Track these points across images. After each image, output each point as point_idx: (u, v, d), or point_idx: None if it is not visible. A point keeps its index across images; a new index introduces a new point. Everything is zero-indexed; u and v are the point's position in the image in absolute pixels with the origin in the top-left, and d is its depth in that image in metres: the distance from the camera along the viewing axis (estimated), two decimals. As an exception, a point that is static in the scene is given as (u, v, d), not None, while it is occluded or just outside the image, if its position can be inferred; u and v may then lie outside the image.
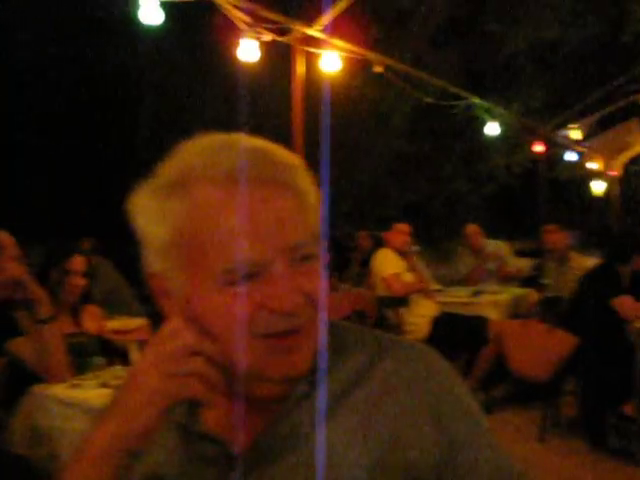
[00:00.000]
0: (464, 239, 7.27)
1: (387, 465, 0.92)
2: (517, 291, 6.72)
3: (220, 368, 0.90)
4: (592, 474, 4.35)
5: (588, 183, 11.26)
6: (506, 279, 7.16)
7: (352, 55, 5.78)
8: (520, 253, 7.91)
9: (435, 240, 11.33)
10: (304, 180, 0.95)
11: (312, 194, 0.96)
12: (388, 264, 5.93)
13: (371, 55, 6.10)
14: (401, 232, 6.05)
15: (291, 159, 0.95)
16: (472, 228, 7.21)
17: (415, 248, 6.53)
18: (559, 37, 8.37)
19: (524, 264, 7.39)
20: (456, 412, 0.98)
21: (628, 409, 4.72)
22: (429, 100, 7.45)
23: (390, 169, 11.02)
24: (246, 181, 0.88)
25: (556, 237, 6.54)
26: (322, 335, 0.95)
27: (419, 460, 0.93)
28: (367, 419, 0.94)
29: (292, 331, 0.90)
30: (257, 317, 0.88)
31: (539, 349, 4.89)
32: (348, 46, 5.65)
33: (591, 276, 5.11)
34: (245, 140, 0.94)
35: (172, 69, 10.93)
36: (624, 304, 4.79)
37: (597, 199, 11.60)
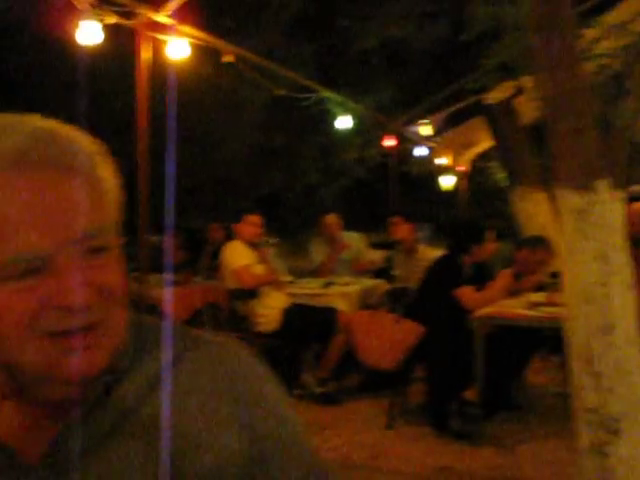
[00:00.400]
0: (322, 229, 7.31)
1: (181, 471, 0.85)
2: (367, 282, 6.84)
3: (5, 370, 0.81)
4: (437, 457, 4.50)
5: (438, 177, 11.70)
6: (361, 271, 7.28)
7: (201, 43, 5.64)
8: (375, 245, 8.07)
9: (292, 232, 11.39)
10: (99, 167, 0.86)
11: (109, 182, 0.87)
12: (238, 256, 5.86)
13: (221, 44, 5.98)
14: (252, 224, 5.99)
15: (85, 143, 0.86)
16: (331, 218, 7.26)
17: (272, 240, 6.49)
18: (410, 35, 8.61)
19: (378, 256, 7.54)
20: (264, 414, 0.93)
21: (470, 394, 4.92)
22: (281, 92, 7.44)
23: (245, 161, 10.96)
24: (28, 165, 0.79)
25: (401, 229, 6.71)
26: (121, 332, 0.88)
27: (221, 465, 0.87)
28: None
29: (84, 328, 0.81)
30: (42, 314, 0.78)
31: (387, 339, 5.00)
32: (197, 33, 5.50)
33: (434, 267, 5.28)
34: (33, 121, 0.84)
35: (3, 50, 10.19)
36: (465, 294, 4.99)
37: (447, 193, 12.05)
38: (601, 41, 3.43)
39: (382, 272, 7.29)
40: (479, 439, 4.73)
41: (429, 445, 4.73)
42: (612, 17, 5.34)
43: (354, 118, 8.29)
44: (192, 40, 5.40)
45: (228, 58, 6.00)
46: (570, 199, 2.49)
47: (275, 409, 0.96)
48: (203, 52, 6.03)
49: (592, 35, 3.56)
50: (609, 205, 2.51)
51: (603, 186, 2.50)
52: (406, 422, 5.12)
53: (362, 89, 9.51)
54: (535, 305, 4.78)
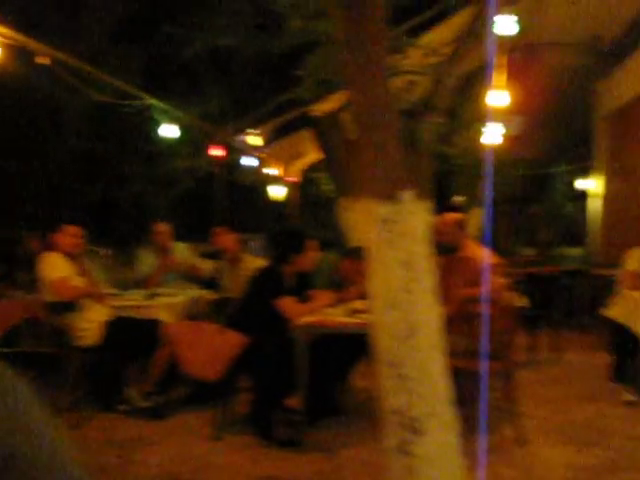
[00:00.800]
0: (152, 237, 7.13)
1: None
2: (192, 293, 6.75)
3: None
4: (262, 466, 4.51)
5: (269, 188, 11.81)
6: (190, 281, 7.19)
7: (12, 42, 5.33)
8: (205, 255, 8.00)
9: (125, 242, 11.05)
10: None
11: None
12: (55, 268, 5.60)
13: (34, 44, 5.68)
14: (70, 234, 5.75)
15: None
16: (162, 227, 7.11)
17: (102, 251, 6.26)
18: (238, 45, 8.60)
19: (207, 266, 7.47)
20: (20, 433, 0.90)
21: (293, 402, 4.98)
22: (102, 98, 7.22)
23: (69, 168, 10.54)
24: None
25: (225, 239, 6.72)
26: None
27: None
28: None
29: None
30: None
31: (210, 350, 4.95)
32: (7, 32, 5.19)
33: (256, 277, 5.31)
34: None
35: None
36: (285, 304, 5.05)
37: (279, 203, 12.18)
38: (411, 59, 3.58)
39: (210, 282, 7.23)
40: (304, 446, 4.80)
41: (255, 454, 4.73)
42: (427, 38, 5.65)
43: (181, 127, 8.22)
44: (2, 39, 5.08)
45: (42, 60, 5.71)
46: (376, 209, 2.58)
47: (33, 429, 0.93)
48: (18, 53, 5.71)
49: (406, 53, 3.72)
50: (413, 215, 2.62)
51: (408, 197, 2.60)
52: (232, 433, 5.09)
53: (190, 98, 9.42)
54: (355, 312, 4.92)
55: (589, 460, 4.63)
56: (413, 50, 4.01)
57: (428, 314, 2.60)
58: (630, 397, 5.99)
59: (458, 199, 12.89)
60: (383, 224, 2.57)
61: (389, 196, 2.58)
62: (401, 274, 2.56)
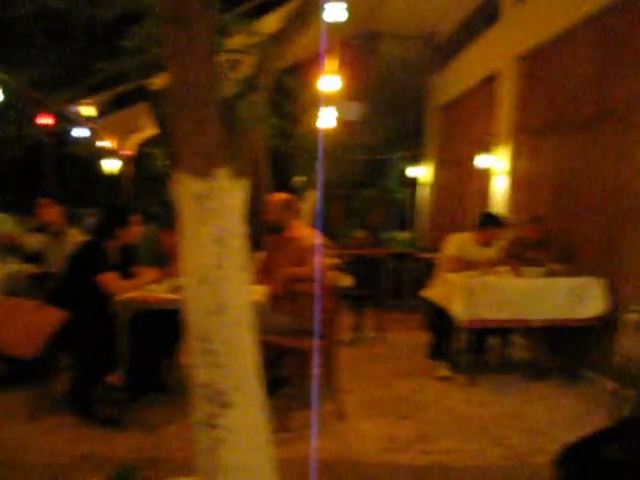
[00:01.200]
0: None
1: None
2: (11, 267, 6.47)
3: None
4: (81, 445, 4.43)
5: (103, 161, 11.43)
6: (13, 254, 6.87)
7: None
8: (35, 229, 7.65)
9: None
10: None
11: None
12: None
13: None
14: None
15: None
16: None
17: None
18: (68, 9, 8.20)
19: (34, 240, 7.16)
20: None
21: (115, 379, 4.91)
22: None
23: None
24: None
25: (49, 212, 6.48)
26: None
27: None
28: None
29: None
30: None
31: (27, 326, 4.77)
32: None
33: (78, 251, 5.16)
34: None
35: None
36: (107, 280, 4.97)
37: (113, 177, 11.83)
38: (239, 39, 3.59)
39: (36, 257, 6.94)
40: (125, 423, 4.75)
41: (74, 434, 4.64)
42: (261, 25, 5.67)
43: (6, 91, 7.76)
44: None
45: None
46: (190, 185, 2.59)
47: None
48: None
49: (234, 35, 3.71)
50: (228, 192, 2.65)
51: (223, 174, 2.63)
52: (51, 413, 4.95)
53: (18, 62, 8.91)
54: (179, 289, 4.90)
55: (403, 431, 4.92)
56: (242, 31, 4.02)
57: (238, 290, 2.65)
58: (445, 373, 6.39)
59: (298, 180, 13.10)
60: (196, 200, 2.59)
61: (203, 173, 2.59)
62: (212, 250, 2.59)
